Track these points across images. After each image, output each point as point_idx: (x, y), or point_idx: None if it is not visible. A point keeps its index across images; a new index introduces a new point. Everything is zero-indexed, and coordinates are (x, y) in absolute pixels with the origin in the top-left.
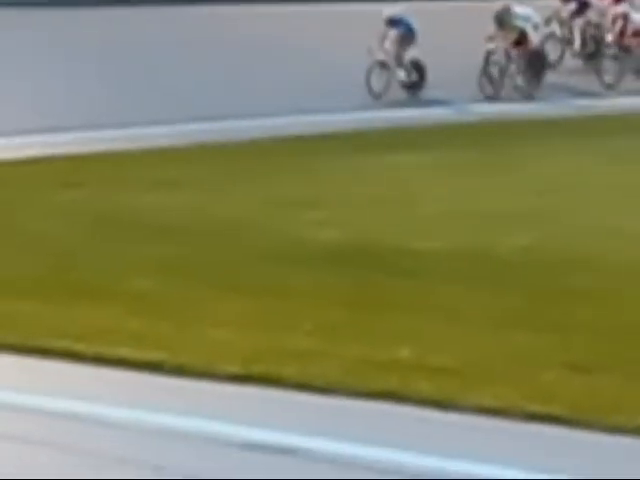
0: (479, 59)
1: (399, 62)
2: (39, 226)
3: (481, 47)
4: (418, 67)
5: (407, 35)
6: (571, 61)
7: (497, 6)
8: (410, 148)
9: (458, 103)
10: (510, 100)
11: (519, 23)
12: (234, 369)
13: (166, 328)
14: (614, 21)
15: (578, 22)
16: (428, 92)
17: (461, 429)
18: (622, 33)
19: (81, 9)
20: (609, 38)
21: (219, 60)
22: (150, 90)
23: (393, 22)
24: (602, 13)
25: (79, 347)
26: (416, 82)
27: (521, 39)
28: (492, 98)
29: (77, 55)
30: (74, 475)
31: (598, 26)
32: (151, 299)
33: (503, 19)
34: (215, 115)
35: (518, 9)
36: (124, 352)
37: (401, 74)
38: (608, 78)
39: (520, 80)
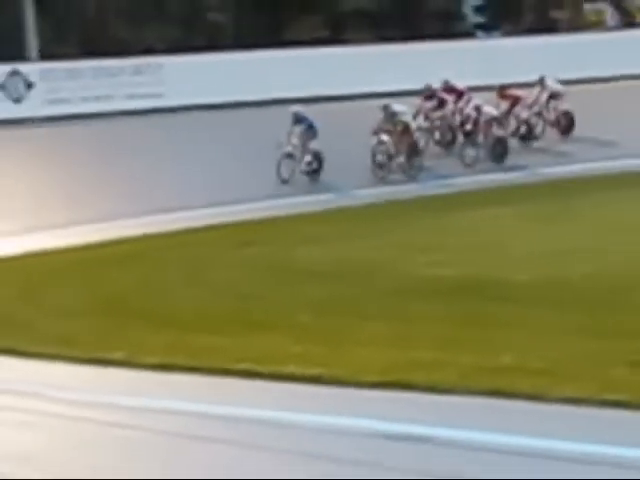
0: (368, 148)
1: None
2: (222, 275)
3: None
4: (318, 157)
5: (309, 130)
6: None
7: (380, 105)
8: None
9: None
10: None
11: (403, 118)
12: (374, 378)
13: (322, 350)
14: (468, 114)
15: (437, 115)
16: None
17: (553, 416)
18: (476, 123)
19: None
20: (467, 127)
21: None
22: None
23: (298, 119)
24: (457, 108)
25: (257, 368)
26: (316, 169)
27: (405, 131)
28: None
29: (240, 147)
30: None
31: (453, 119)
32: (310, 329)
33: (389, 115)
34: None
35: (397, 107)
36: (291, 369)
37: (304, 163)
38: (468, 160)
39: (405, 165)
